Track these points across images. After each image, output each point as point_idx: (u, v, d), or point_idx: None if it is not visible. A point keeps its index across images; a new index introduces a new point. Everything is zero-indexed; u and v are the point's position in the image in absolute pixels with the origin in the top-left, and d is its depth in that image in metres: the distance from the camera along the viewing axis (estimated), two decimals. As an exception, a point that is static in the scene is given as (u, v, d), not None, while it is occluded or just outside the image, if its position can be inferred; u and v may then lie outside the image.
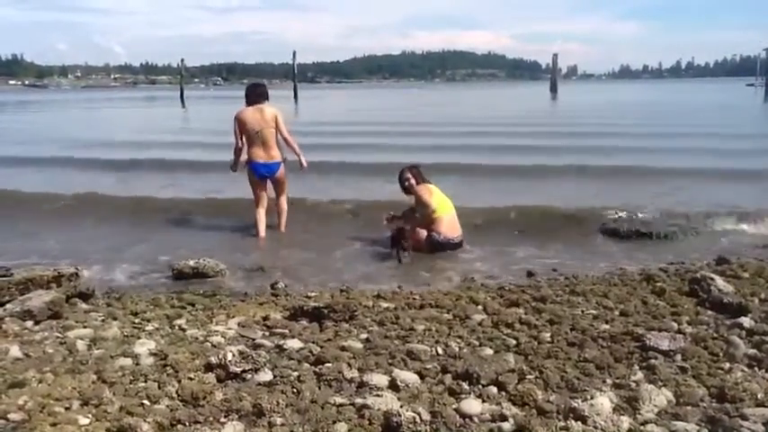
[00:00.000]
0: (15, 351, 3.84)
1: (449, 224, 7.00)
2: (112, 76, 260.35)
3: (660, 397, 3.08)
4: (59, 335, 4.19)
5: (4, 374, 3.46)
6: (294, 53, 63.16)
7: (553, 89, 62.10)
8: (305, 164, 7.70)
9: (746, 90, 69.30)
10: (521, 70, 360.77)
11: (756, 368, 3.45)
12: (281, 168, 7.63)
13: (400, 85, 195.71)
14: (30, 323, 4.45)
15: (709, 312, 4.41)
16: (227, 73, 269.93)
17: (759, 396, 3.07)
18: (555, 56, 65.54)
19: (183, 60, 74.85)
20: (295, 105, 48.26)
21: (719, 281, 4.83)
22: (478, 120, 27.52)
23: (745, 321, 4.11)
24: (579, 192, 9.99)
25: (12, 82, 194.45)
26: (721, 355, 3.64)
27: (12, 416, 2.95)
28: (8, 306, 4.69)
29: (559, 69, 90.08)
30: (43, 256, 6.71)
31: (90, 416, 2.98)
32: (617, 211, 7.95)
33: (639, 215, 7.98)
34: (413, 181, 7.20)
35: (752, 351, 3.65)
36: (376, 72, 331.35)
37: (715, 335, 3.94)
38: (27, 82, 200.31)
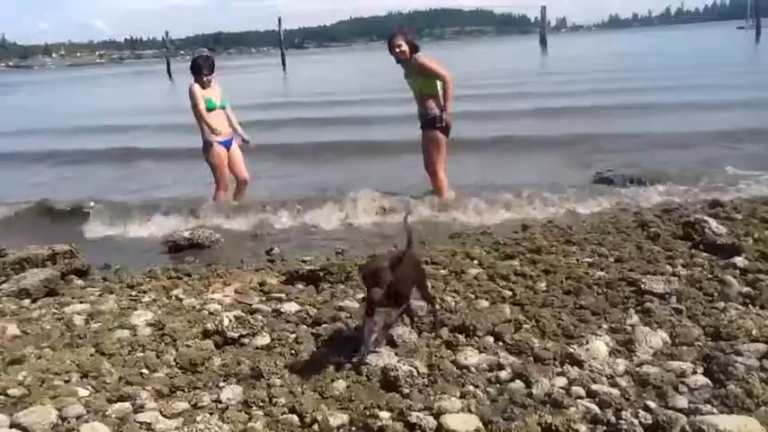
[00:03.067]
0: (13, 329, 3.84)
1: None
2: (97, 53, 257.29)
3: (656, 338, 3.10)
4: (56, 311, 4.20)
5: (3, 352, 3.48)
6: (279, 19, 62.57)
7: (543, 42, 61.52)
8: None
9: (737, 33, 68.66)
10: (509, 26, 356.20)
11: (750, 306, 3.47)
12: None
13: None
14: (26, 301, 4.46)
15: (704, 254, 4.42)
16: (213, 43, 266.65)
17: (753, 332, 3.09)
18: (543, 9, 64.75)
19: (167, 33, 73.66)
20: (284, 74, 47.67)
21: (713, 223, 4.83)
22: (470, 79, 27.19)
23: (739, 261, 4.13)
24: (571, 146, 9.94)
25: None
26: (716, 294, 3.67)
27: (12, 391, 2.97)
28: (4, 286, 4.70)
29: (548, 22, 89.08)
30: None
31: (89, 387, 3.00)
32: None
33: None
34: (406, 50, 6.66)
35: (746, 289, 3.68)
36: (364, 34, 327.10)
37: (709, 276, 3.95)
38: (11, 63, 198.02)
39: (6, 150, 13.88)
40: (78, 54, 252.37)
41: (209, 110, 7.07)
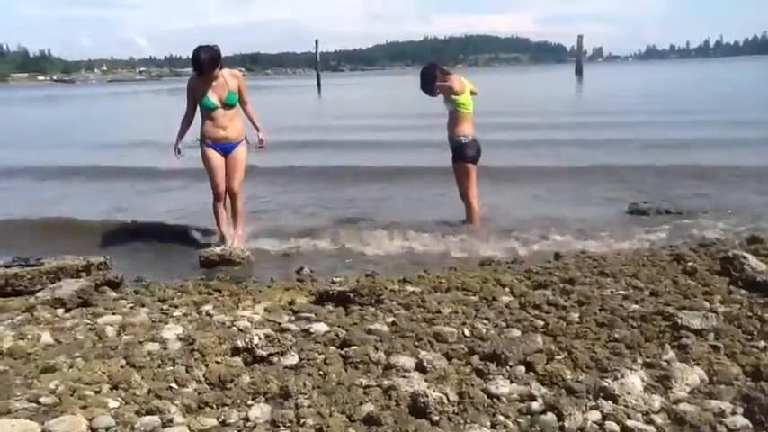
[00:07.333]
0: (47, 337, 3.89)
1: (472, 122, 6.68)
2: (137, 70, 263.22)
3: (693, 375, 3.01)
4: (89, 321, 4.24)
5: (36, 360, 3.51)
6: (316, 42, 63.15)
7: (578, 72, 61.36)
8: None
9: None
10: (545, 53, 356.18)
11: (792, 346, 3.36)
12: None
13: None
14: (60, 311, 4.51)
15: (743, 291, 4.30)
16: (250, 63, 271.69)
17: (796, 374, 2.99)
18: (580, 38, 64.52)
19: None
20: (318, 96, 48.08)
21: (752, 259, 4.71)
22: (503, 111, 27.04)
23: (780, 299, 4.02)
24: (604, 176, 9.84)
25: (40, 78, 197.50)
26: (755, 333, 3.56)
27: (43, 399, 2.99)
28: (39, 294, 4.76)
29: (585, 52, 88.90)
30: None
31: (119, 399, 3.01)
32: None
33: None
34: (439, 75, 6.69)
35: (787, 329, 3.56)
36: (398, 59, 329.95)
37: (749, 313, 3.84)
38: (55, 77, 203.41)
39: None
40: (119, 70, 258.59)
41: (208, 109, 6.36)
